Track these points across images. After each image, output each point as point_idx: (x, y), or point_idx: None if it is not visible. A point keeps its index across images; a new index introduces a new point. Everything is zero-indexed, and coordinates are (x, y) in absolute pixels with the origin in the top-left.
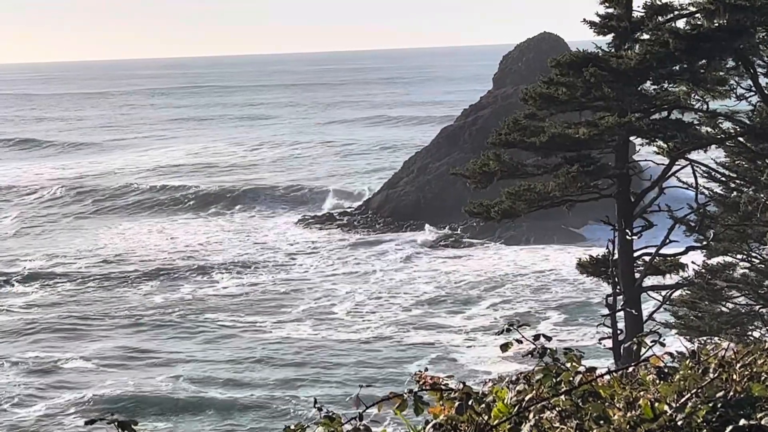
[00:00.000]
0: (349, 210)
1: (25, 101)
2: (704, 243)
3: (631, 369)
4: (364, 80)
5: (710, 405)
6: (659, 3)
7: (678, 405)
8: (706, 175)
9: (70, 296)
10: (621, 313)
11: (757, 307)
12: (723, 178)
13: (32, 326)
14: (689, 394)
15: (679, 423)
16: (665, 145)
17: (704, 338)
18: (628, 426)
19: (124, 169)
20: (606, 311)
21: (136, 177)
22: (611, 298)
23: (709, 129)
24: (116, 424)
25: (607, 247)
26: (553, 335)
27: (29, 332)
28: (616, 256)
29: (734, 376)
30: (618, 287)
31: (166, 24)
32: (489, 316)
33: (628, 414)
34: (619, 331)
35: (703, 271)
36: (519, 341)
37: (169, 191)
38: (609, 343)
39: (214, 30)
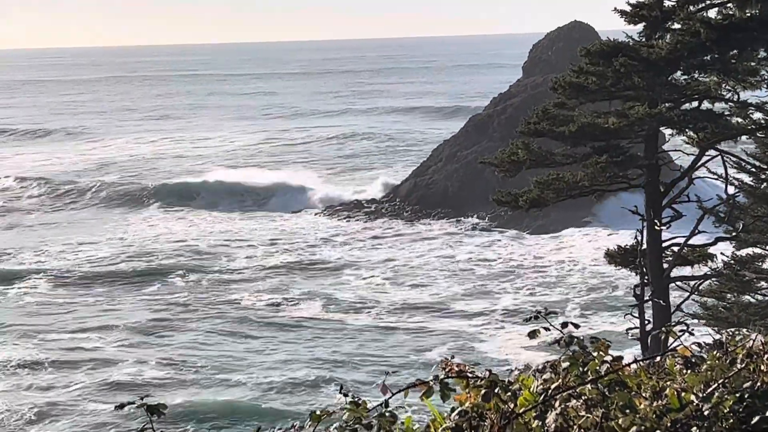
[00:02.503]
0: (376, 198)
1: (74, 87)
2: (733, 234)
3: (658, 359)
4: (394, 68)
5: (737, 395)
6: None
7: (705, 395)
8: (735, 165)
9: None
10: (648, 304)
11: None
12: (753, 169)
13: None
14: (716, 385)
15: (706, 413)
16: (695, 136)
17: (732, 329)
18: (654, 415)
19: (158, 158)
20: (634, 301)
21: (171, 168)
22: (639, 288)
23: (739, 120)
24: (145, 408)
25: (636, 238)
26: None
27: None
28: (644, 247)
29: (762, 367)
30: (646, 277)
31: (204, 10)
32: (513, 304)
33: (655, 403)
34: (646, 322)
35: (731, 262)
36: (546, 329)
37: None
38: (636, 333)
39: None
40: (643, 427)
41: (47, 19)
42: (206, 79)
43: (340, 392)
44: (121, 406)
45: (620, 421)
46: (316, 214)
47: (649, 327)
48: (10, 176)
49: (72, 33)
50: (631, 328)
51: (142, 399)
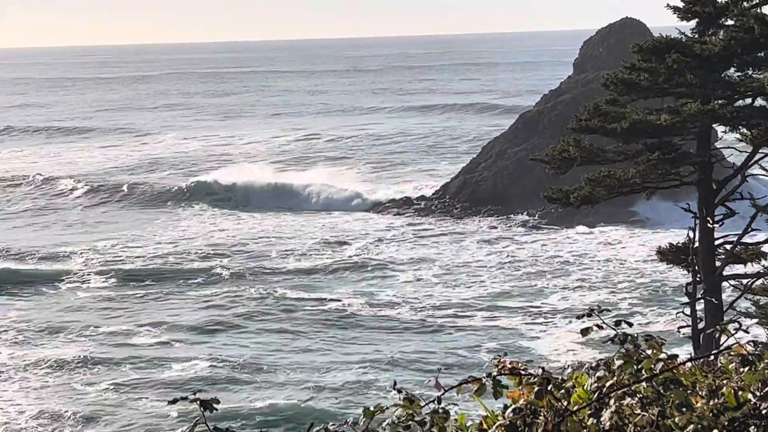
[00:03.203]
0: (426, 195)
1: (129, 84)
2: None
3: (713, 357)
4: (440, 66)
5: None
6: None
7: (762, 393)
8: None
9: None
10: (700, 302)
11: None
12: None
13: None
14: None
15: (764, 412)
16: (748, 133)
17: None
18: (711, 414)
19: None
20: (685, 299)
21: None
22: (691, 286)
23: None
24: (199, 402)
25: (688, 235)
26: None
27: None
28: (696, 244)
29: None
30: (698, 275)
31: (249, 8)
32: (562, 302)
33: (711, 402)
34: (698, 320)
35: None
36: (600, 327)
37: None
38: (688, 331)
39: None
40: (700, 426)
41: (80, 15)
42: (254, 76)
43: (394, 388)
44: (174, 401)
45: (677, 420)
46: (364, 212)
47: (701, 325)
48: (61, 173)
49: (117, 30)
50: (682, 326)
51: (194, 394)
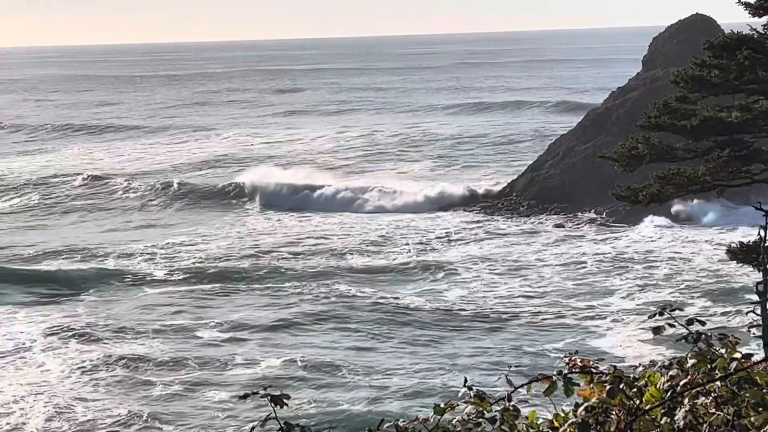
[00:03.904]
0: (492, 192)
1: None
2: None
3: None
4: (499, 63)
5: None
6: None
7: None
8: None
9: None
10: None
11: None
12: None
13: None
14: None
15: None
16: None
17: None
18: None
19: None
20: (756, 298)
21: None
22: (762, 285)
23: None
24: (269, 398)
25: (759, 234)
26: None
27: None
28: (767, 243)
29: None
30: None
31: (297, 6)
32: (628, 300)
33: None
34: None
35: None
36: (671, 325)
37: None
38: (758, 330)
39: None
40: None
41: (136, 13)
42: (312, 73)
43: (464, 386)
44: (245, 396)
45: (752, 419)
46: (429, 210)
47: None
48: (126, 171)
49: (173, 28)
50: (752, 325)
51: (265, 389)
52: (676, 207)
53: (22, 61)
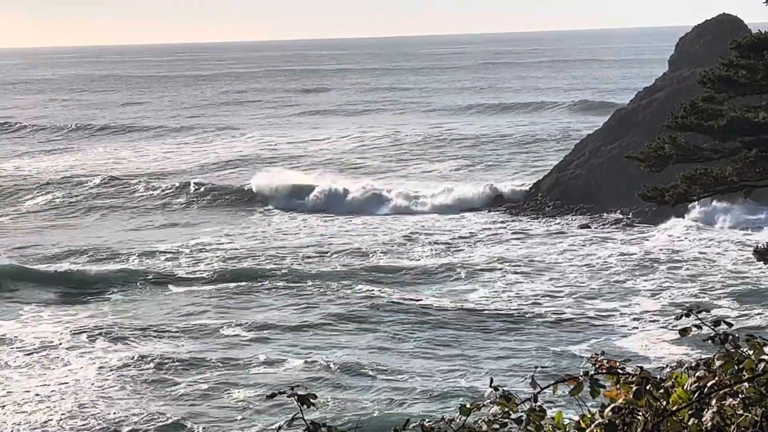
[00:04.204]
0: (517, 192)
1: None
2: None
3: None
4: (521, 63)
5: None
6: None
7: None
8: None
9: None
10: None
11: None
12: None
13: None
14: None
15: None
16: None
17: None
18: None
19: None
20: None
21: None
22: None
23: None
24: (296, 397)
25: None
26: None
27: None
28: None
29: None
30: None
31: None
32: (654, 300)
33: None
34: None
35: None
36: (698, 326)
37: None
38: None
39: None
40: None
41: (159, 14)
42: (337, 73)
43: (491, 386)
44: (272, 396)
45: None
46: (454, 211)
47: None
48: (151, 171)
49: (196, 28)
50: None
51: (292, 389)
52: (703, 208)
53: (50, 61)
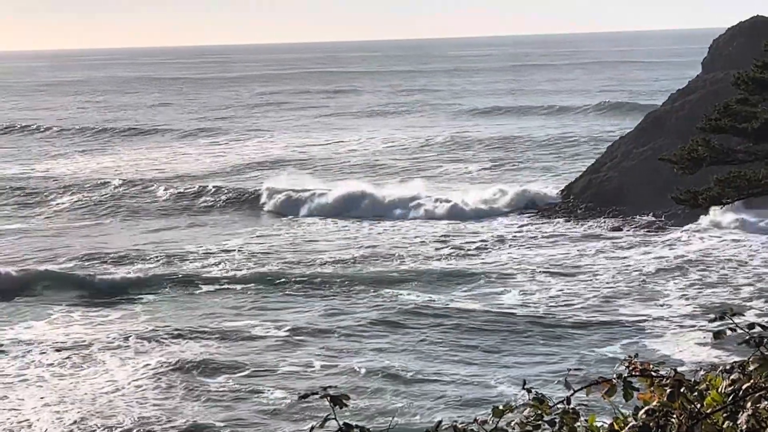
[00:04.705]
0: (549, 195)
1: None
2: None
3: None
4: (551, 65)
5: None
6: None
7: None
8: None
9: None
10: None
11: None
12: None
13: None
14: None
15: None
16: None
17: None
18: None
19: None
20: None
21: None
22: None
23: None
24: (329, 398)
25: None
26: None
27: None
28: None
29: None
30: None
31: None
32: (686, 303)
33: None
34: None
35: None
36: (732, 329)
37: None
38: None
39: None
40: None
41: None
42: (367, 75)
43: (523, 388)
44: (305, 397)
45: None
46: (484, 214)
47: None
48: (180, 173)
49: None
50: None
51: (324, 389)
52: (735, 210)
53: (85, 62)
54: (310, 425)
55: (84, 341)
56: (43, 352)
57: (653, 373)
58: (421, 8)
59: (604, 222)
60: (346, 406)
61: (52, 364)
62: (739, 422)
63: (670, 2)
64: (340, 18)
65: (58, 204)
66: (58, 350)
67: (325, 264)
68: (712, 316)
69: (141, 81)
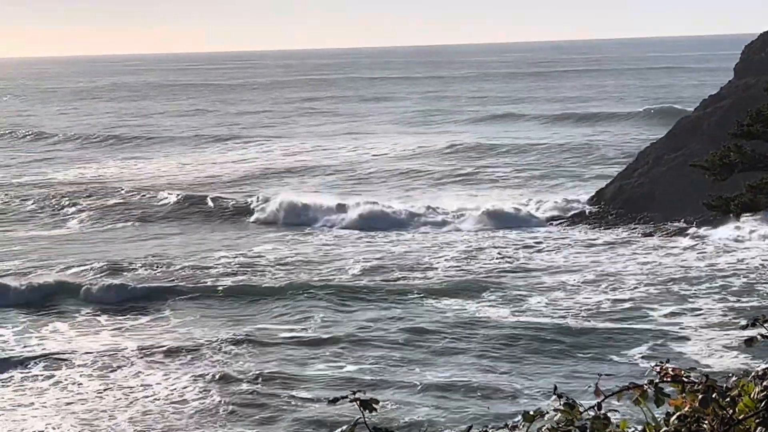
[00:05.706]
0: (580, 201)
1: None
2: None
3: None
4: (577, 71)
5: None
6: None
7: None
8: None
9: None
10: None
11: None
12: None
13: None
14: None
15: None
16: None
17: None
18: None
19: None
20: None
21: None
22: None
23: None
24: (358, 402)
25: None
26: None
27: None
28: None
29: None
30: None
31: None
32: (716, 308)
33: None
34: None
35: None
36: (764, 336)
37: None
38: None
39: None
40: None
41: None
42: (392, 81)
43: (554, 393)
44: (335, 401)
45: None
46: (514, 221)
47: None
48: (199, 180)
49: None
50: None
51: (354, 393)
52: (765, 216)
53: (115, 68)
54: (339, 430)
55: (112, 350)
56: (73, 361)
57: (684, 379)
58: (436, 14)
59: (635, 228)
60: (376, 410)
61: (82, 373)
62: None
63: (689, 7)
64: (360, 23)
65: (87, 211)
66: (87, 358)
67: (356, 274)
68: (743, 322)
69: (174, 87)
